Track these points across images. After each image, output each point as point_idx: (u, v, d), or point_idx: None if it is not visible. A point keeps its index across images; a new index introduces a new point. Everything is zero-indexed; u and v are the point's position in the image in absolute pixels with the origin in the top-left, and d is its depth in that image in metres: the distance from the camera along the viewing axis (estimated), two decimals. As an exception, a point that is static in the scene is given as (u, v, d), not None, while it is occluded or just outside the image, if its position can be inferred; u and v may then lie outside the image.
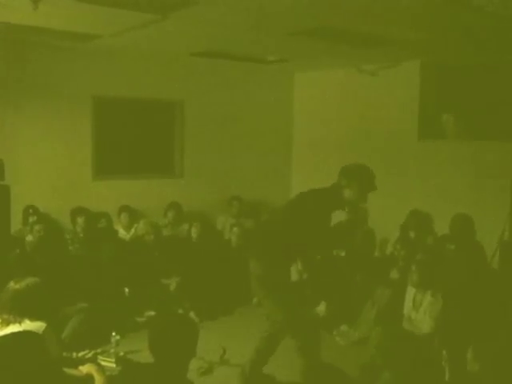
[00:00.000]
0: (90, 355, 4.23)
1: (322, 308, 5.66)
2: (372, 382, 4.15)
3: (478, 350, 3.07)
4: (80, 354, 4.19)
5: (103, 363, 3.91)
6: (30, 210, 6.15)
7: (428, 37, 5.33)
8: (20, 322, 3.21)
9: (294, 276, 6.40)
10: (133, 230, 6.70)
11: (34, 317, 3.23)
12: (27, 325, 3.20)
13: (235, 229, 6.80)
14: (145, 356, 2.76)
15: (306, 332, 4.03)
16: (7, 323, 3.24)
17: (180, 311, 5.63)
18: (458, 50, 5.96)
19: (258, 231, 4.68)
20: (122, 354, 4.55)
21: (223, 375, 4.56)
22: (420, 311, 4.84)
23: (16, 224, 5.95)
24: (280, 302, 3.96)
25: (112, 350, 4.51)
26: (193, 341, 2.70)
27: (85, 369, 3.17)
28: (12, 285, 3.37)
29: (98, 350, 4.57)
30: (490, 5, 4.03)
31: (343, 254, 6.02)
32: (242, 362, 4.41)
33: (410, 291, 4.96)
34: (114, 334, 4.56)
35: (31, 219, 6.05)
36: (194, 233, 6.69)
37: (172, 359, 2.63)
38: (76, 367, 3.22)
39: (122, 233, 6.68)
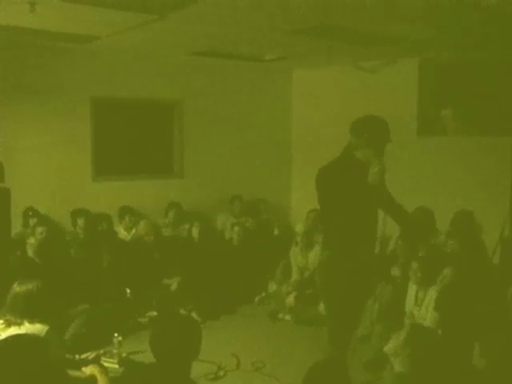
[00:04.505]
0: (92, 357, 4.22)
1: (323, 306, 5.66)
2: (375, 378, 4.16)
3: (483, 345, 3.08)
4: (83, 356, 4.18)
5: (106, 364, 3.90)
6: (30, 213, 6.14)
7: (426, 33, 5.33)
8: (22, 325, 3.22)
9: (296, 275, 6.42)
10: (133, 231, 6.70)
11: (36, 319, 3.24)
12: (29, 327, 3.21)
13: (236, 228, 6.80)
14: (147, 357, 2.76)
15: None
16: (9, 325, 3.24)
17: (182, 311, 5.64)
18: (457, 47, 5.96)
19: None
20: (124, 354, 4.56)
21: (232, 381, 4.51)
22: (422, 308, 4.85)
23: (16, 226, 5.96)
24: None
25: (114, 351, 4.51)
26: (195, 341, 2.69)
27: (88, 370, 3.18)
28: (15, 287, 3.38)
29: (101, 352, 4.55)
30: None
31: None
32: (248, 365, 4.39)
33: (412, 288, 4.96)
34: (116, 335, 4.56)
35: (31, 221, 6.05)
36: (194, 232, 6.69)
37: (173, 360, 2.63)
38: (79, 369, 3.22)
39: (122, 234, 6.68)
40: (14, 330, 3.18)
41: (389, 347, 2.92)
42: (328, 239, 3.82)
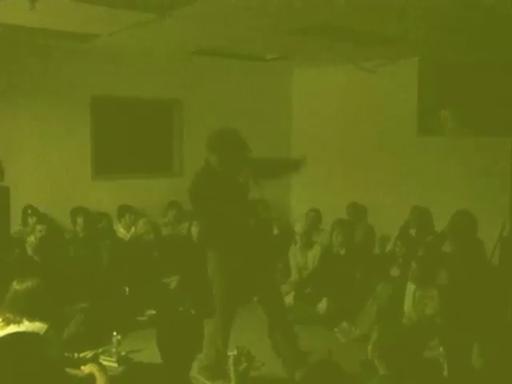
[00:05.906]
0: (91, 355, 4.23)
1: (323, 305, 5.67)
2: (372, 378, 4.16)
3: (482, 346, 3.08)
4: (81, 354, 4.18)
5: (105, 363, 3.91)
6: (29, 211, 6.14)
7: (426, 34, 5.33)
8: (22, 323, 3.22)
9: (295, 275, 6.42)
10: (132, 230, 6.70)
11: (36, 317, 3.24)
12: (28, 326, 3.21)
13: (235, 227, 6.79)
14: (146, 355, 2.77)
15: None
16: (9, 323, 3.25)
17: (180, 310, 5.64)
18: (456, 47, 5.96)
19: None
20: (123, 353, 4.55)
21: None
22: (419, 308, 4.85)
23: (16, 225, 5.96)
24: None
25: (113, 350, 4.51)
26: (200, 338, 2.72)
27: (86, 369, 3.18)
28: (15, 285, 3.38)
29: (100, 350, 4.57)
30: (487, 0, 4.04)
31: (343, 251, 6.01)
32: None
33: (410, 287, 4.97)
34: (115, 333, 4.56)
35: (31, 220, 6.05)
36: (193, 232, 6.68)
37: (180, 356, 2.64)
38: (77, 367, 3.22)
39: (122, 232, 6.68)
40: (13, 328, 3.19)
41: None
42: (212, 242, 4.19)
